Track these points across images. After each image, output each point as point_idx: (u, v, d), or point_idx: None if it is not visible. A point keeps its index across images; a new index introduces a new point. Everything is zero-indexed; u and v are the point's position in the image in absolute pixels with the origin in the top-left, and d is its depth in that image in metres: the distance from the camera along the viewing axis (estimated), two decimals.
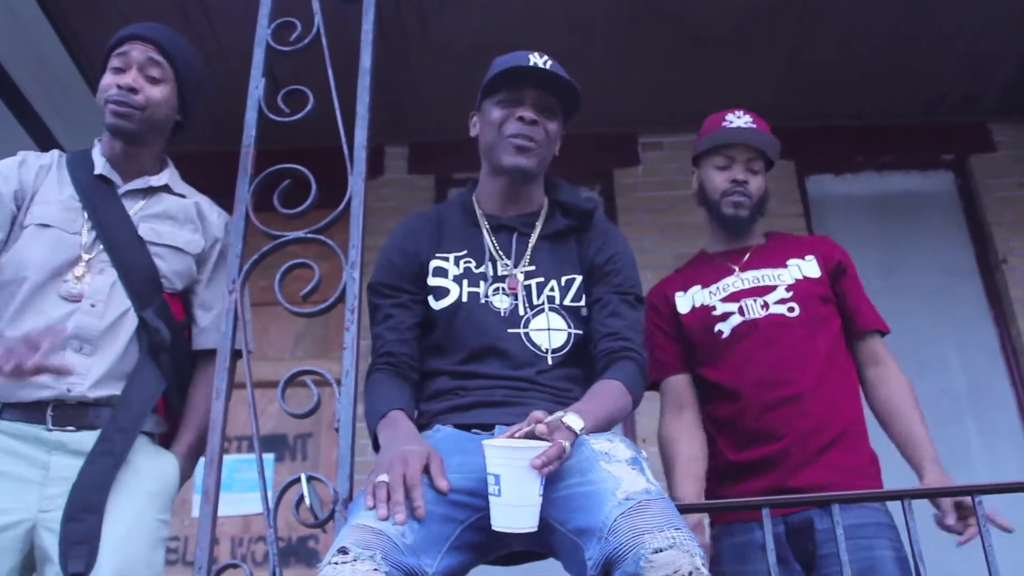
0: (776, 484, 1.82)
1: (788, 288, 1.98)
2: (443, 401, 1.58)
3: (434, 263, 1.68)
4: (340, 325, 1.57)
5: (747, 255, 2.07)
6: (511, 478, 1.24)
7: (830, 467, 1.82)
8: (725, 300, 2.00)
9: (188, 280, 1.83)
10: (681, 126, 3.73)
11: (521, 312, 1.61)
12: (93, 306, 1.68)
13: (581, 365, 1.62)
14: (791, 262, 2.03)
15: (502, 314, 1.60)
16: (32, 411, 1.63)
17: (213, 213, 1.91)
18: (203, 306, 1.85)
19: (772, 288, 1.98)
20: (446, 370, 1.61)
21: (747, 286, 2.00)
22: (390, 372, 1.60)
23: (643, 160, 3.94)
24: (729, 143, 2.03)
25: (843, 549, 1.52)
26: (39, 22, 3.21)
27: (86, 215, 1.75)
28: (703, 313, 2.02)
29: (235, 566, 1.44)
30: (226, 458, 1.57)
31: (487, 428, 1.49)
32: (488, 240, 1.69)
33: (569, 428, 1.32)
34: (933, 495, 1.75)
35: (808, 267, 2.02)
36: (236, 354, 1.57)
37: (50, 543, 1.54)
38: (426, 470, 1.32)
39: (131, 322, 1.71)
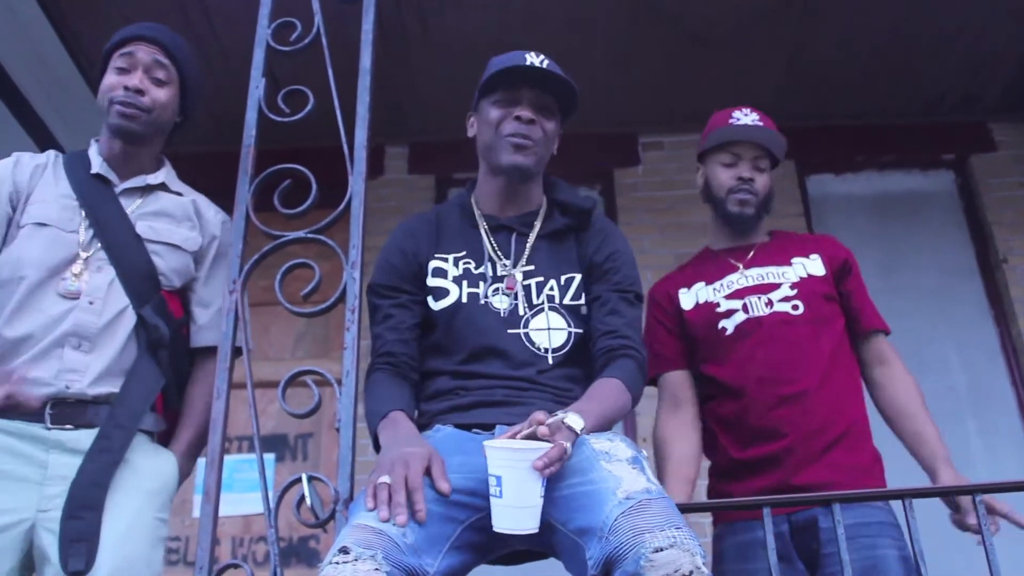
0: (779, 482, 1.81)
1: (792, 286, 1.97)
2: (443, 401, 1.58)
3: (433, 264, 1.68)
4: (340, 325, 1.56)
5: (752, 252, 2.06)
6: (513, 479, 1.24)
7: (833, 466, 1.82)
8: (729, 297, 2.00)
9: (186, 277, 1.83)
10: (681, 126, 3.74)
11: (521, 312, 1.61)
12: (91, 303, 1.68)
13: (581, 364, 1.62)
14: (796, 260, 2.02)
15: (502, 314, 1.60)
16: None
17: (210, 211, 1.91)
18: (201, 303, 1.85)
19: (776, 286, 1.98)
20: (446, 370, 1.60)
21: (751, 283, 2.00)
22: (390, 372, 1.60)
23: (643, 160, 3.94)
24: (736, 140, 2.03)
25: (844, 548, 1.52)
26: (39, 22, 3.21)
27: (83, 213, 1.75)
28: (707, 310, 2.01)
29: (236, 566, 1.44)
30: (227, 458, 1.56)
31: (487, 428, 1.49)
32: (487, 241, 1.69)
33: (570, 428, 1.32)
34: (933, 495, 1.75)
35: (813, 265, 2.01)
36: (236, 352, 1.57)
37: (49, 543, 1.53)
38: (427, 472, 1.32)
39: (129, 319, 1.71)
